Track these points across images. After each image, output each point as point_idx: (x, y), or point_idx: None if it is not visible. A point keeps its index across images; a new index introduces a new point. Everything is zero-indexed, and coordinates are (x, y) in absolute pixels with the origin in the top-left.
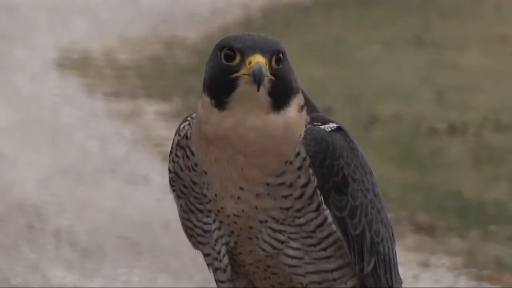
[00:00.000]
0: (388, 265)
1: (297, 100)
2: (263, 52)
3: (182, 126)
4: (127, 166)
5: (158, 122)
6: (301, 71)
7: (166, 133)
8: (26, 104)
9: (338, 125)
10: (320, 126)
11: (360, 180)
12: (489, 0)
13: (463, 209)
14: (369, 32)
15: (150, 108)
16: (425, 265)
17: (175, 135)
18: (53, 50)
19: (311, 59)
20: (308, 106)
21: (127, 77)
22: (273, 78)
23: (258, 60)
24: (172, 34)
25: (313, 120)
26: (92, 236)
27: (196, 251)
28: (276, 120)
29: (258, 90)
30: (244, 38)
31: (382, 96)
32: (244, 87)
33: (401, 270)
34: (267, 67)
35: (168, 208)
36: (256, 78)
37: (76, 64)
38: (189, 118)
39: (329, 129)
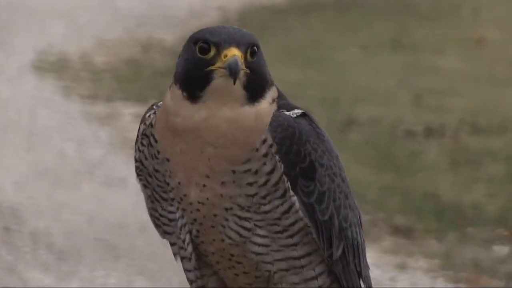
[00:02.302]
0: (357, 250)
1: (271, 93)
2: (238, 45)
3: (147, 114)
4: (104, 168)
5: (135, 125)
6: (278, 74)
7: None
8: (2, 106)
9: (303, 111)
10: (286, 113)
11: (327, 165)
12: (466, 4)
13: (440, 211)
14: (346, 35)
15: (127, 111)
16: (402, 267)
17: (140, 123)
18: (30, 53)
19: (288, 62)
20: (278, 95)
21: (104, 79)
22: (248, 71)
23: (234, 53)
24: (149, 37)
25: (279, 107)
26: (69, 238)
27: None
28: (249, 111)
29: (234, 83)
30: (219, 31)
31: (359, 99)
32: (219, 80)
33: (378, 272)
34: (242, 60)
35: (145, 210)
36: (232, 71)
37: (53, 67)
38: (154, 107)
39: (295, 115)
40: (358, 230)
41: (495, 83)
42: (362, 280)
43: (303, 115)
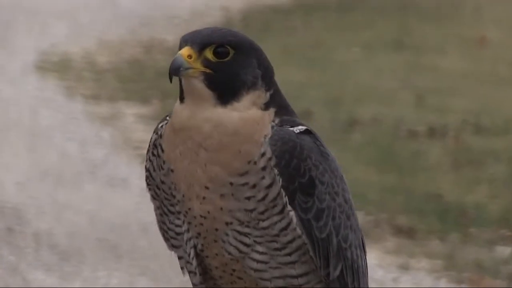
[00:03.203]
0: (356, 273)
1: (252, 97)
2: (192, 44)
3: (160, 125)
4: (106, 169)
5: (137, 125)
6: (280, 74)
7: (145, 136)
8: (5, 107)
9: (307, 128)
10: (289, 128)
11: (329, 183)
12: (468, 4)
13: (442, 212)
14: (348, 35)
15: (129, 111)
16: (405, 268)
17: (153, 133)
18: (32, 53)
19: (290, 62)
20: (281, 109)
21: (106, 80)
22: (208, 70)
23: (181, 52)
24: (151, 37)
25: (282, 122)
26: (72, 239)
27: (173, 254)
28: (230, 114)
29: (170, 81)
30: (193, 32)
31: (361, 99)
32: (184, 80)
33: (381, 273)
34: (193, 59)
35: (147, 211)
36: (170, 70)
37: (55, 67)
38: (168, 118)
39: (298, 131)
40: (359, 253)
41: (498, 83)
42: None
43: (307, 132)
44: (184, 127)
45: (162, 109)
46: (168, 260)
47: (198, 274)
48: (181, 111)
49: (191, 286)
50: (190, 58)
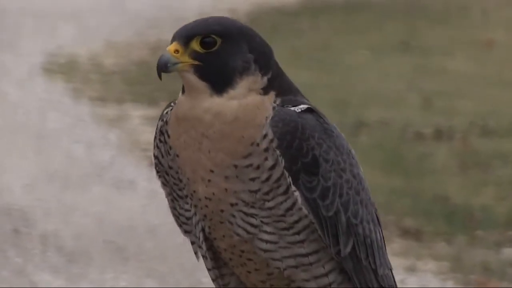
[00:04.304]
0: (370, 247)
1: (246, 83)
2: (179, 39)
3: (165, 111)
4: (113, 171)
5: (144, 127)
6: (288, 76)
7: (152, 138)
8: (12, 109)
9: (309, 106)
10: (290, 108)
11: (334, 160)
12: (475, 6)
13: (449, 214)
14: (356, 37)
15: (136, 113)
16: (411, 270)
17: (158, 120)
18: (39, 55)
19: (297, 64)
20: (283, 90)
21: (113, 82)
22: (196, 62)
23: (168, 48)
24: (159, 39)
25: (283, 102)
26: (79, 241)
27: (183, 256)
28: (229, 103)
29: (160, 79)
30: (181, 26)
31: (368, 101)
32: (179, 74)
33: None
34: (180, 53)
35: (154, 213)
36: (157, 66)
37: (62, 69)
38: (172, 104)
39: (299, 110)
40: (372, 227)
41: (505, 85)
42: (379, 278)
43: (309, 110)
44: (186, 117)
45: None
46: (175, 262)
47: (209, 258)
48: (183, 102)
49: (199, 287)
50: (178, 53)
